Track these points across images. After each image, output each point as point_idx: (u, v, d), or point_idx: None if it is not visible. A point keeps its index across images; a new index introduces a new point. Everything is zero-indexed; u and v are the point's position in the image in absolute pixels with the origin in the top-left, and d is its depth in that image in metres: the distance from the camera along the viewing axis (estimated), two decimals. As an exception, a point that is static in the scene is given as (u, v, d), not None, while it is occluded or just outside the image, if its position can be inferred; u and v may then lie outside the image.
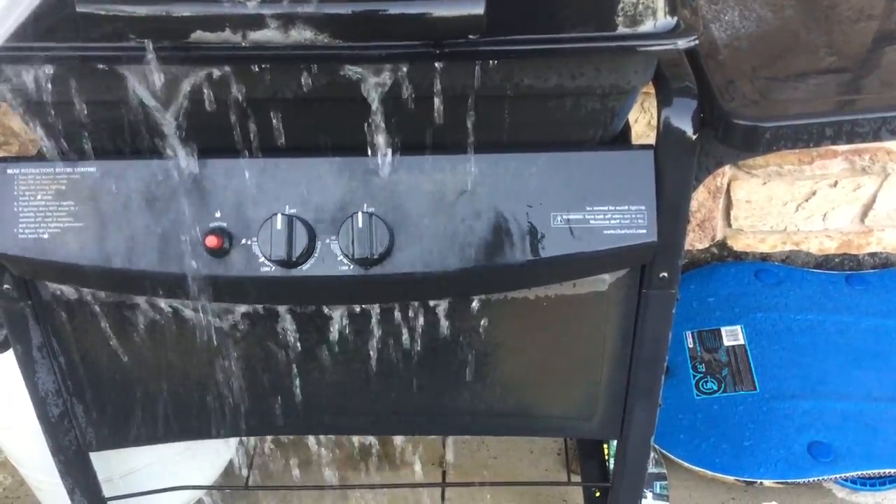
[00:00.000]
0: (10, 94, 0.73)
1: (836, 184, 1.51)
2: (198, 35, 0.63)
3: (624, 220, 0.77)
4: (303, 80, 0.70)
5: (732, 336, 1.48)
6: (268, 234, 0.76)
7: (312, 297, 0.84)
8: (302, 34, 0.63)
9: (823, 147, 1.41)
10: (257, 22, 0.62)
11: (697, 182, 0.81)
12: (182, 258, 0.78)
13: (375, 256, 0.76)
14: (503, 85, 0.72)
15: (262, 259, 0.77)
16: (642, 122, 1.42)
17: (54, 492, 1.12)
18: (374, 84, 0.70)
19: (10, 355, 0.92)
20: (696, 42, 0.68)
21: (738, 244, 1.62)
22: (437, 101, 0.72)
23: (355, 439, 1.41)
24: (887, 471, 1.31)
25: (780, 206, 1.54)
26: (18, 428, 1.11)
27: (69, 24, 0.65)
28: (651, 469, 1.31)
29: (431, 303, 0.85)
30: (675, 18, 0.69)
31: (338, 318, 0.86)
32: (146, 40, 0.66)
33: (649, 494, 1.31)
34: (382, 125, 0.74)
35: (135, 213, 0.78)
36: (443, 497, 1.40)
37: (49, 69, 0.70)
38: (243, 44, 0.64)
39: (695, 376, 1.43)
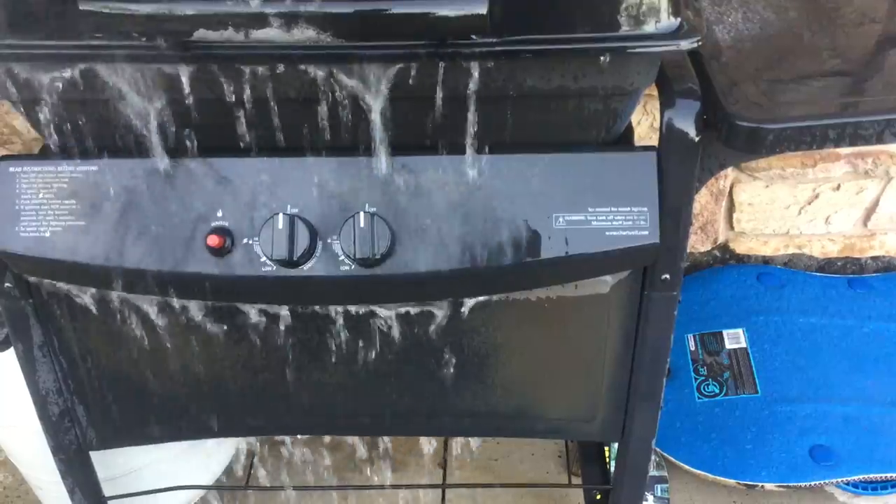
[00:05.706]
0: (12, 93, 0.73)
1: (838, 187, 1.51)
2: (200, 34, 0.63)
3: (626, 222, 0.77)
4: (305, 79, 0.70)
5: (734, 339, 1.48)
6: (269, 233, 0.76)
7: (314, 296, 0.84)
8: (304, 33, 0.63)
9: (826, 150, 1.41)
10: (260, 21, 0.62)
11: (700, 184, 0.81)
12: (183, 257, 0.78)
13: (377, 256, 0.76)
14: (506, 85, 0.72)
15: (263, 259, 0.77)
16: (645, 124, 1.41)
17: (55, 491, 1.12)
18: (376, 84, 0.70)
19: (11, 354, 0.92)
20: (699, 43, 0.68)
21: (741, 247, 1.62)
22: (439, 101, 0.72)
23: (356, 440, 1.41)
24: (889, 475, 1.30)
25: (783, 209, 1.54)
26: (19, 427, 1.11)
27: (69, 22, 0.65)
28: (652, 472, 1.31)
29: (433, 303, 0.85)
30: (679, 19, 0.69)
31: (339, 318, 0.86)
32: (148, 39, 0.66)
33: (650, 497, 1.30)
34: (385, 125, 0.73)
35: (136, 212, 0.78)
36: (443, 498, 1.39)
37: (50, 68, 0.70)
38: (246, 43, 0.64)
39: (696, 379, 1.43)
